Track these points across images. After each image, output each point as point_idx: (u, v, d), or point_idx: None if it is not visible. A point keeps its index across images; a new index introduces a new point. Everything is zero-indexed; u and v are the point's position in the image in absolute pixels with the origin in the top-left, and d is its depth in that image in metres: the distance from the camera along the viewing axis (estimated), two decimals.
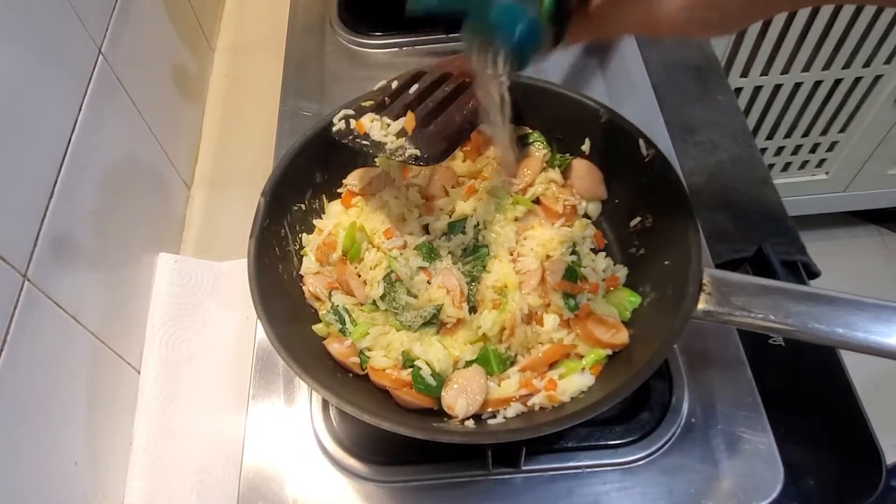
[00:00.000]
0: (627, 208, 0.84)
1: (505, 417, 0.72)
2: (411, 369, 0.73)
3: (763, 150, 1.97)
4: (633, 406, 0.77)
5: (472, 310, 0.78)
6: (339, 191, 0.89)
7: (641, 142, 0.80)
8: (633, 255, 0.83)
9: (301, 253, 0.84)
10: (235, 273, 0.90)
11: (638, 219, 0.83)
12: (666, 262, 0.76)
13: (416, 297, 0.79)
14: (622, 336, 0.74)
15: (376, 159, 0.90)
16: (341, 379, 0.75)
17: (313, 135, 0.84)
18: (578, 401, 0.71)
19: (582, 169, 0.87)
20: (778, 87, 1.79)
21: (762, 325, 0.64)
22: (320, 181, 0.87)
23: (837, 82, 1.78)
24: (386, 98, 0.78)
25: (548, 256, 0.80)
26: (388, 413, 0.72)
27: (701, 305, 0.67)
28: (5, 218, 0.64)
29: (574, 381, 0.72)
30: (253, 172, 1.01)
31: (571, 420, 0.65)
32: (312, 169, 0.86)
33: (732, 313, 0.65)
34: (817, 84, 1.78)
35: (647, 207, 0.82)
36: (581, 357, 0.75)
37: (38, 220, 0.69)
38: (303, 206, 0.85)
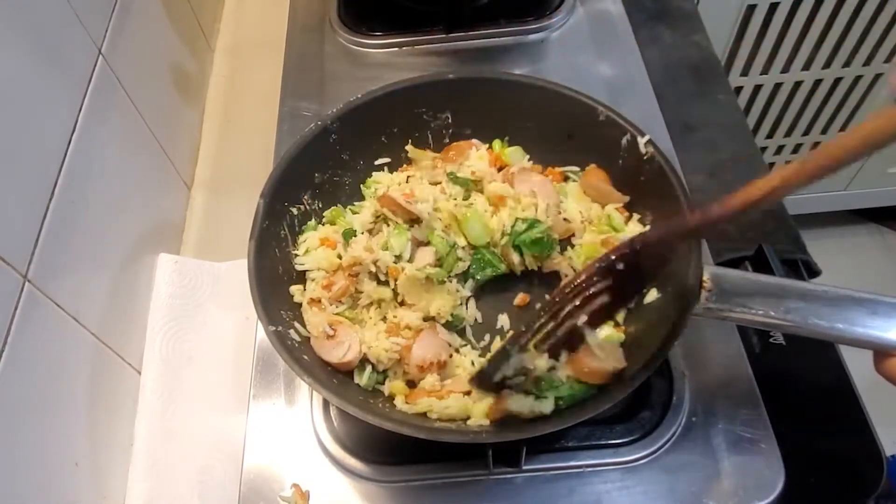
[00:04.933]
0: (627, 207, 0.84)
1: None
2: None
3: (763, 149, 1.97)
4: (633, 405, 0.76)
5: None
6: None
7: (640, 140, 0.80)
8: None
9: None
10: (236, 273, 0.90)
11: (637, 217, 0.83)
12: None
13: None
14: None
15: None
16: (342, 379, 0.75)
17: (312, 135, 0.84)
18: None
19: (595, 177, 0.86)
20: (778, 86, 1.79)
21: (762, 321, 0.64)
22: (319, 182, 0.87)
23: (837, 81, 1.77)
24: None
25: None
26: (389, 413, 0.72)
27: (701, 302, 0.66)
28: (6, 219, 0.64)
29: None
30: (253, 173, 1.01)
31: (569, 419, 0.65)
32: (311, 170, 0.85)
33: (732, 309, 0.65)
34: (817, 83, 1.78)
35: (647, 206, 0.82)
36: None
37: (39, 221, 0.69)
38: (302, 208, 0.85)
